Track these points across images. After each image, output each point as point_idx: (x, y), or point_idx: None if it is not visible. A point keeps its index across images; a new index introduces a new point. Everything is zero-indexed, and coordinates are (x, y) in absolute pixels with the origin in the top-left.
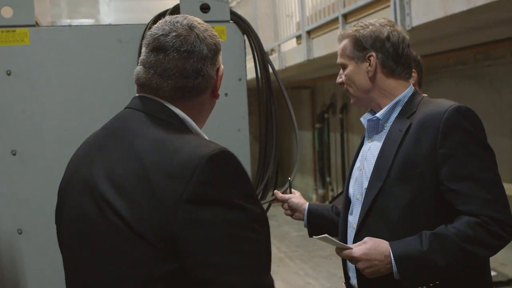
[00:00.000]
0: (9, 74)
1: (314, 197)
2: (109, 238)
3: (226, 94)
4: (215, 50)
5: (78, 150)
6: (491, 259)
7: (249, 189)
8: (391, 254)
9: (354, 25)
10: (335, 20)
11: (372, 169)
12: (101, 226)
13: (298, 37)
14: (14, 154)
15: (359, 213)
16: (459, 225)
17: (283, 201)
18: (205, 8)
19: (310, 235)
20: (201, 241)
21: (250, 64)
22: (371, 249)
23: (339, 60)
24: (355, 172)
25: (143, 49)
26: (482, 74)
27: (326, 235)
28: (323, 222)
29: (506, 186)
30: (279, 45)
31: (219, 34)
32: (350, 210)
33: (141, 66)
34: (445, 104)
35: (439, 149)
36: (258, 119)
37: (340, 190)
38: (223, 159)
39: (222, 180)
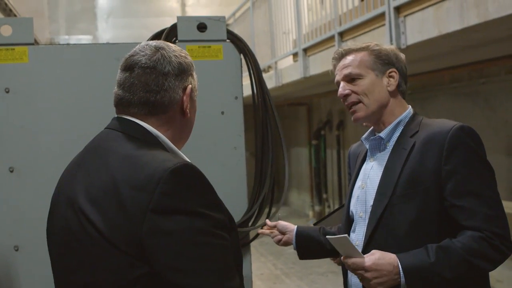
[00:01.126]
0: (7, 92)
1: (310, 213)
2: (88, 248)
3: (222, 112)
4: (180, 68)
5: (67, 166)
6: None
7: (212, 198)
8: (399, 265)
9: (363, 44)
10: (331, 38)
11: (376, 187)
12: (81, 237)
13: (295, 55)
14: (11, 171)
15: (363, 230)
16: (464, 239)
17: (272, 228)
18: (202, 27)
19: (300, 257)
20: (165, 247)
21: (245, 82)
22: (381, 259)
23: (354, 70)
24: (356, 191)
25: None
26: (477, 91)
27: (346, 235)
28: (312, 244)
29: (504, 204)
30: (275, 62)
31: (215, 53)
32: (352, 228)
33: (115, 87)
34: (448, 123)
35: (444, 165)
36: (254, 135)
37: (336, 206)
38: (185, 172)
39: (184, 191)
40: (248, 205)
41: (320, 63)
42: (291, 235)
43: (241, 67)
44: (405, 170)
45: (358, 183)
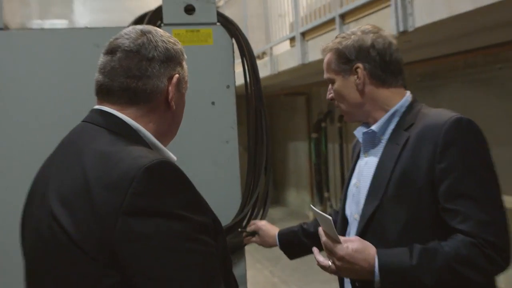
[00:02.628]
0: None
1: (311, 214)
2: (57, 254)
3: (213, 103)
4: (167, 54)
5: (43, 163)
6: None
7: (192, 198)
8: (376, 263)
9: (337, 37)
10: (332, 20)
11: (368, 185)
12: (50, 242)
13: (292, 39)
14: None
15: (355, 233)
16: (453, 243)
17: (255, 232)
18: (189, 10)
19: (290, 257)
20: (139, 254)
21: (237, 69)
22: (357, 252)
23: (326, 75)
24: (352, 189)
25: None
26: (493, 78)
27: (331, 218)
28: (296, 239)
29: None
30: (271, 48)
31: (204, 37)
32: (347, 231)
33: (96, 73)
34: (445, 115)
35: (438, 164)
36: (247, 129)
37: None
38: (161, 169)
39: (160, 191)
40: (240, 206)
41: (320, 48)
42: (273, 241)
43: (233, 53)
44: (397, 168)
45: (353, 180)
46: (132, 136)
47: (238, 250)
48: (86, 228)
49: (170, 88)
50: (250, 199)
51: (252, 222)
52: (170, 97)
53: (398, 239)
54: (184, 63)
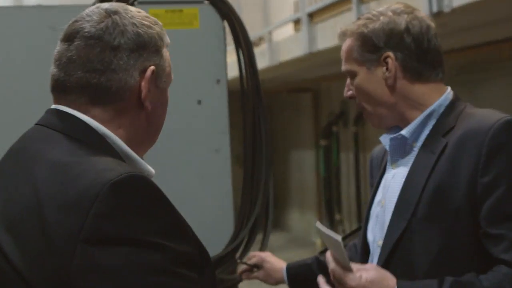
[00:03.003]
0: None
1: (318, 241)
2: None
3: (199, 102)
4: (138, 41)
5: None
6: None
7: (171, 222)
8: None
9: (360, 18)
10: None
11: (395, 204)
12: None
13: (297, 22)
14: None
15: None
16: (495, 276)
17: (257, 265)
18: None
19: None
20: None
21: (230, 59)
22: (372, 284)
23: (344, 66)
24: (375, 209)
25: None
26: None
27: (340, 239)
28: (310, 274)
29: None
30: (270, 33)
31: (189, 19)
32: (369, 261)
33: (52, 65)
34: (492, 117)
35: (481, 177)
36: (243, 134)
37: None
38: (132, 186)
39: (130, 213)
40: (234, 231)
41: (331, 34)
42: (279, 276)
43: (225, 39)
44: (430, 183)
45: (378, 197)
46: (97, 143)
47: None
48: (36, 260)
49: (143, 83)
50: (246, 223)
51: (252, 253)
52: (143, 95)
53: (429, 271)
54: (165, 51)
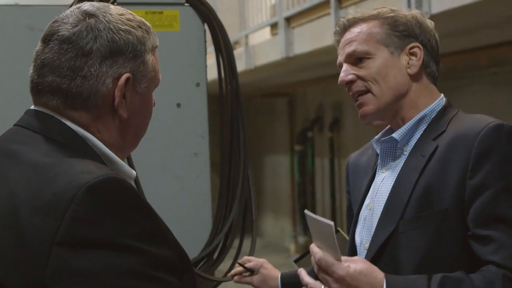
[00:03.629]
0: None
1: (292, 247)
2: None
3: (178, 105)
4: (112, 47)
5: None
6: None
7: (149, 225)
8: None
9: (374, 9)
10: (326, 3)
11: (383, 206)
12: None
13: (274, 26)
14: None
15: None
16: (485, 275)
17: (252, 270)
18: None
19: None
20: None
21: (209, 62)
22: (361, 274)
23: (360, 47)
24: (364, 212)
25: None
26: None
27: (332, 223)
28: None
29: None
30: (246, 36)
31: (169, 21)
32: None
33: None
34: (482, 121)
35: (470, 179)
36: (220, 137)
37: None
38: (109, 189)
39: (107, 215)
40: (210, 235)
41: (309, 38)
42: (274, 284)
43: (205, 41)
44: (419, 185)
45: (367, 201)
46: (78, 145)
47: None
48: (11, 262)
49: (116, 92)
50: (222, 227)
51: (248, 258)
52: (115, 103)
53: (415, 273)
54: (148, 55)
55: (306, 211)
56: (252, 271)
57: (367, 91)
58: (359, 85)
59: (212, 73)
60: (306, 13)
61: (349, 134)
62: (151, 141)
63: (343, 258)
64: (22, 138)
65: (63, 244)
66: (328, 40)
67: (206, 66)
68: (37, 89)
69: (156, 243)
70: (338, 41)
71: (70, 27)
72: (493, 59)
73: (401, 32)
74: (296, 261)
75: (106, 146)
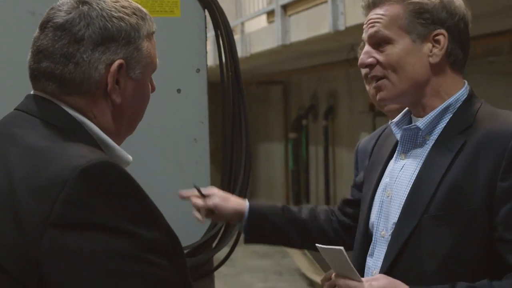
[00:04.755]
0: None
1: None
2: None
3: (178, 90)
4: (103, 35)
5: None
6: None
7: (141, 210)
8: None
9: None
10: None
11: (404, 198)
12: None
13: (270, 13)
14: None
15: (383, 256)
16: (510, 284)
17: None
18: None
19: (249, 240)
20: (69, 275)
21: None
22: None
23: (382, 30)
24: (379, 197)
25: None
26: None
27: (341, 248)
28: (275, 218)
29: None
30: (242, 24)
31: (170, 7)
32: (370, 251)
33: None
34: None
35: (501, 181)
36: (222, 125)
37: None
38: (102, 172)
39: (99, 198)
40: (212, 221)
41: (305, 26)
42: (233, 210)
43: (206, 28)
44: (445, 181)
45: (381, 186)
46: (75, 130)
47: (207, 276)
48: (6, 241)
49: (109, 78)
50: None
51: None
52: (108, 88)
53: (438, 272)
54: (143, 42)
55: (317, 245)
56: (205, 197)
57: (384, 77)
58: (377, 70)
59: (211, 59)
60: (303, 1)
61: (344, 122)
62: (151, 126)
63: (364, 278)
64: (21, 122)
65: (56, 225)
66: (324, 28)
67: (206, 52)
68: (34, 75)
69: (147, 226)
70: (365, 16)
71: (64, 14)
72: (489, 48)
73: (425, 20)
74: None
75: (102, 131)
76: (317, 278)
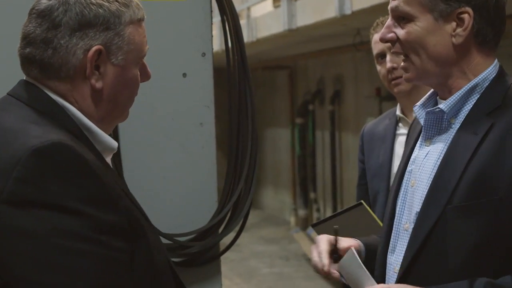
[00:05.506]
0: None
1: (292, 220)
2: None
3: (184, 75)
4: (81, 21)
5: None
6: None
7: (95, 190)
8: None
9: None
10: None
11: (428, 187)
12: None
13: None
14: None
15: (404, 251)
16: None
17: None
18: None
19: None
20: (18, 252)
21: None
22: None
23: (403, 6)
24: (404, 187)
25: None
26: None
27: (352, 249)
28: None
29: None
30: (248, 8)
31: None
32: (391, 246)
33: None
34: None
35: None
36: (228, 109)
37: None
38: (54, 152)
39: (50, 178)
40: (219, 205)
41: (311, 11)
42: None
43: (211, 12)
44: (471, 168)
45: (407, 175)
46: (57, 114)
47: (213, 261)
48: None
49: (88, 64)
50: (230, 197)
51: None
52: (87, 74)
53: (462, 265)
54: (126, 28)
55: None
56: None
57: (406, 56)
58: (398, 47)
59: (217, 45)
60: None
61: (350, 107)
62: (157, 110)
63: (380, 286)
64: (5, 105)
65: (7, 202)
66: (330, 12)
67: (212, 36)
68: (22, 61)
69: (101, 207)
70: None
71: (46, 1)
72: None
73: None
74: (314, 225)
75: (85, 116)
76: None
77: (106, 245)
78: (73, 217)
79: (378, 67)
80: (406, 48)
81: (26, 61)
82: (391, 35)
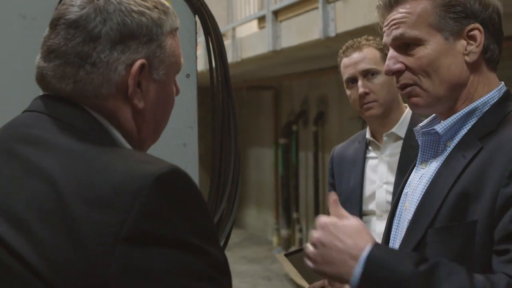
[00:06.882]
0: None
1: (275, 240)
2: None
3: None
4: (123, 31)
5: None
6: None
7: (211, 225)
8: (367, 251)
9: None
10: None
11: (414, 210)
12: None
13: (261, 19)
14: None
15: None
16: (489, 276)
17: None
18: None
19: None
20: None
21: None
22: (347, 227)
23: (409, 31)
24: (399, 211)
25: None
26: None
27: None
28: None
29: None
30: (233, 29)
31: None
32: None
33: None
34: None
35: (503, 187)
36: (211, 129)
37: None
38: (177, 181)
39: (175, 211)
40: None
41: (296, 32)
42: None
43: (196, 33)
44: (454, 190)
45: (402, 198)
46: (100, 134)
47: None
48: (58, 258)
49: (129, 80)
50: (212, 216)
51: None
52: (129, 92)
53: None
54: (166, 39)
55: (285, 254)
56: None
57: (414, 84)
58: (406, 77)
59: (201, 64)
60: (294, 7)
61: (334, 128)
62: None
63: (339, 211)
64: (42, 123)
65: (130, 239)
66: (315, 34)
67: (196, 57)
68: (42, 76)
69: (212, 242)
70: (383, 17)
71: (77, 10)
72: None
73: (457, 13)
74: (287, 255)
75: (124, 138)
76: (306, 284)
77: (219, 283)
78: (195, 254)
79: (348, 92)
80: (417, 74)
81: (55, 77)
82: (398, 65)
